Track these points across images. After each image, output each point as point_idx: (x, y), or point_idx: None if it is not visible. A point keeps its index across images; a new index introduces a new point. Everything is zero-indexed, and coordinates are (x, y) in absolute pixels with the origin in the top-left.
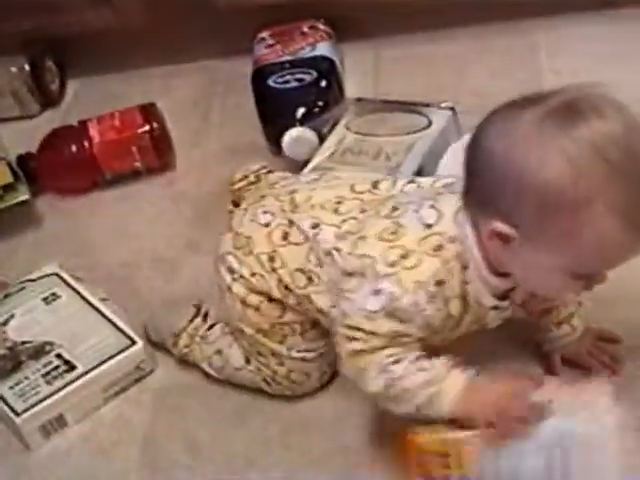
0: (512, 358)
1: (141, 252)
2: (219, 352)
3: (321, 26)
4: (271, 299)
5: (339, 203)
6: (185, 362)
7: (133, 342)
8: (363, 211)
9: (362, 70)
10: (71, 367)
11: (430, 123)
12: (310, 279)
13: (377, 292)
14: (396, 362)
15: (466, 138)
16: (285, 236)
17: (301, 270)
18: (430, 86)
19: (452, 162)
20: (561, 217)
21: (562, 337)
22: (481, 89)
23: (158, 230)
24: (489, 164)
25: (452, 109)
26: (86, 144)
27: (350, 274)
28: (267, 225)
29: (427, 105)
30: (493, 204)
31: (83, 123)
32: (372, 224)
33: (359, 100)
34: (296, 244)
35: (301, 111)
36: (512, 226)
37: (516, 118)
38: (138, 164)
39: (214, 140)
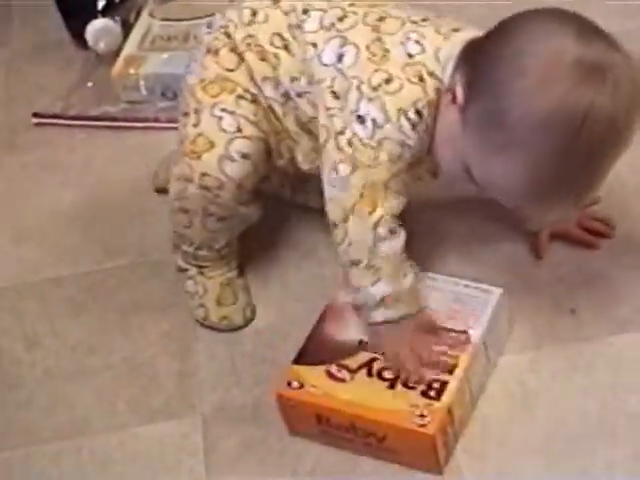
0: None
1: None
2: None
3: None
4: (233, 49)
5: None
6: None
7: None
8: (351, 4)
9: None
10: None
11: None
12: (286, 47)
13: (361, 119)
14: (391, 232)
15: None
16: (276, 1)
17: (279, 35)
18: None
19: None
20: (500, 136)
21: None
22: None
23: None
24: (505, 57)
25: None
26: None
27: (335, 94)
28: None
29: None
30: (476, 80)
31: None
32: (356, 30)
33: None
34: (283, 11)
35: (102, 2)
36: (466, 99)
37: (556, 39)
38: None
39: (18, 40)
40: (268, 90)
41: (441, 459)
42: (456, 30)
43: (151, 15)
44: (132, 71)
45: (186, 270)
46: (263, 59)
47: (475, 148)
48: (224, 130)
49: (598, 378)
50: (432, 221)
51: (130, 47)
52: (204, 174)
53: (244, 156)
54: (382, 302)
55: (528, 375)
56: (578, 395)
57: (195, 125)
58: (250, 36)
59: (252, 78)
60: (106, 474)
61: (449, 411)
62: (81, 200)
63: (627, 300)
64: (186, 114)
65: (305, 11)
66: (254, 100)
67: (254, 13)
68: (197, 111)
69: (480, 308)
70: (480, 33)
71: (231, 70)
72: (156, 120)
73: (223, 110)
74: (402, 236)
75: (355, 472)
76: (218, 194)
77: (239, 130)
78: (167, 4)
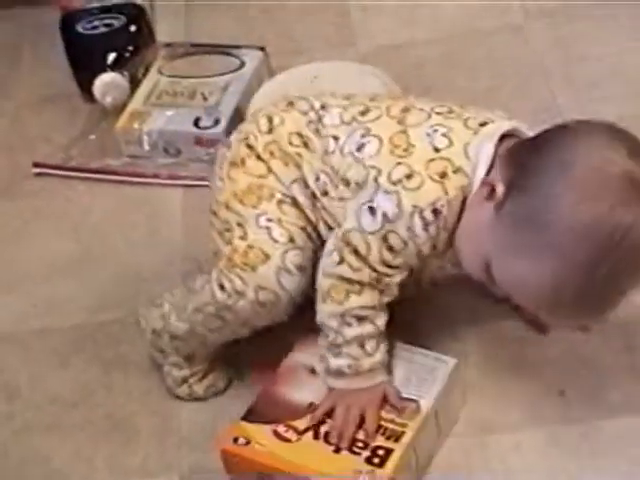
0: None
1: None
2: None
3: None
4: (259, 157)
5: (350, 97)
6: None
7: None
8: (372, 100)
9: (174, 13)
10: None
11: (243, 64)
12: (306, 144)
13: (372, 210)
14: (361, 319)
15: (279, 77)
16: (290, 104)
17: (298, 134)
18: (241, 28)
19: (262, 99)
20: (535, 237)
21: None
22: (289, 30)
23: None
24: (555, 164)
25: (263, 49)
26: None
27: (347, 182)
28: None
29: (238, 47)
30: (520, 179)
31: None
32: (380, 122)
33: (169, 45)
34: (300, 112)
35: (111, 56)
36: (505, 196)
37: (608, 153)
38: None
39: (25, 90)
40: (298, 194)
41: None
42: (483, 124)
43: (159, 71)
44: (136, 126)
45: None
46: (286, 163)
47: (504, 246)
48: (276, 240)
49: (583, 462)
50: (428, 295)
51: (136, 102)
52: (261, 287)
53: (300, 268)
54: (339, 373)
55: (511, 454)
56: (562, 478)
57: (242, 238)
58: (272, 142)
59: (283, 183)
60: None
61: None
62: (75, 251)
63: (617, 384)
64: (228, 230)
65: (323, 106)
66: (295, 204)
67: (270, 120)
68: (241, 224)
69: (433, 378)
70: (508, 122)
71: (263, 177)
72: (156, 176)
73: (269, 220)
74: (377, 321)
75: None
76: (272, 309)
77: (291, 240)
78: (176, 61)
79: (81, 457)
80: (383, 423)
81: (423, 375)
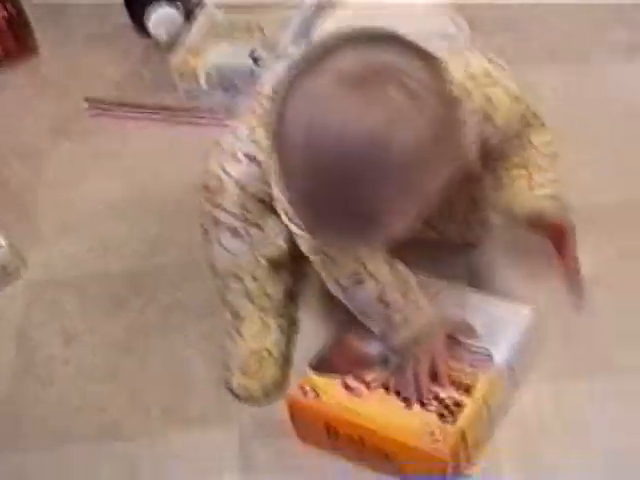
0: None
1: (6, 143)
2: None
3: None
4: None
5: None
6: None
7: None
8: None
9: None
10: None
11: None
12: None
13: None
14: (358, 282)
15: (339, 13)
16: None
17: None
18: None
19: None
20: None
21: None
22: None
23: (23, 118)
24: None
25: None
26: None
27: None
28: None
29: None
30: None
31: None
32: None
33: None
34: None
35: None
36: None
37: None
38: None
39: (77, 23)
40: None
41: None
42: None
43: (215, 5)
44: (192, 61)
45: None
46: None
47: None
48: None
49: None
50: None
51: (192, 37)
52: (206, 171)
53: (249, 157)
54: (397, 329)
55: (585, 404)
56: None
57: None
58: None
59: None
60: None
61: (463, 435)
62: (130, 193)
63: None
64: None
65: None
66: None
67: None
68: None
69: (509, 329)
70: None
71: None
72: (213, 113)
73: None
74: (377, 281)
75: None
76: (217, 195)
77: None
78: None
79: (137, 406)
80: (455, 373)
81: (499, 326)
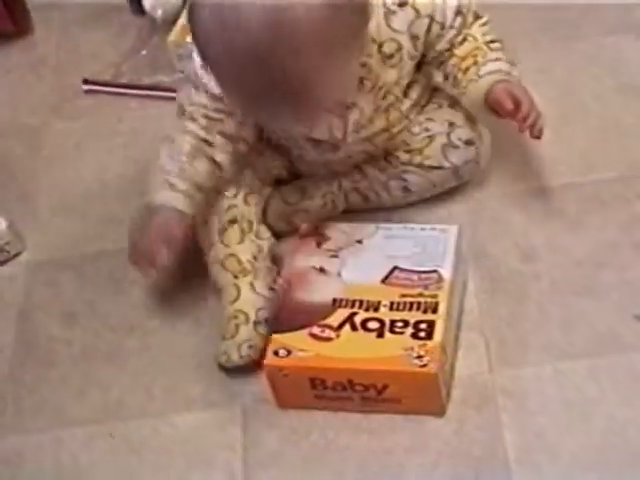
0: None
1: (3, 123)
2: None
3: None
4: None
5: None
6: None
7: None
8: None
9: None
10: None
11: None
12: None
13: None
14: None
15: None
16: None
17: None
18: None
19: None
20: None
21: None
22: None
23: (19, 98)
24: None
25: None
26: None
27: None
28: None
29: None
30: None
31: None
32: None
33: None
34: None
35: None
36: None
37: None
38: None
39: (73, 3)
40: None
41: (443, 398)
42: None
43: None
44: (189, 40)
45: None
46: None
47: None
48: None
49: None
50: None
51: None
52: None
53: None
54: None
55: (587, 383)
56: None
57: None
58: None
59: None
60: (138, 462)
61: (443, 348)
62: (127, 172)
63: None
64: None
65: None
66: None
67: None
68: None
69: (442, 247)
70: None
71: None
72: None
73: None
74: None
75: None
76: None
77: None
78: None
79: (139, 386)
80: (414, 299)
81: (432, 247)
